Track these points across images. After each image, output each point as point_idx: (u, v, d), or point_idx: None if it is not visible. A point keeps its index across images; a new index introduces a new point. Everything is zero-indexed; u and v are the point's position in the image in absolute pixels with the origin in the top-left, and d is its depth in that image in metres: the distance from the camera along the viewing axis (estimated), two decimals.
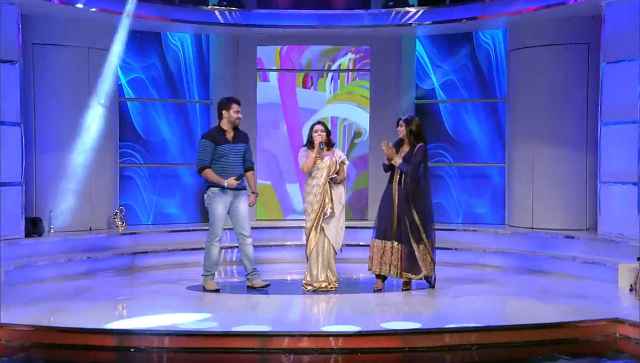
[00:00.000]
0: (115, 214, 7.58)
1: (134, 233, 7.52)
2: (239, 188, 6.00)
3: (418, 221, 5.88)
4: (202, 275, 6.06)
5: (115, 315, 5.30)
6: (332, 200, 6.04)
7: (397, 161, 5.93)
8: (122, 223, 7.56)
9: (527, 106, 7.61)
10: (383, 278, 6.03)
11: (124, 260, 7.18)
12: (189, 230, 7.87)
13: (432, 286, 6.05)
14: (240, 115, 5.99)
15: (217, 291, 5.95)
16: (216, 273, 6.11)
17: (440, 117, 8.49)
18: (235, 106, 5.97)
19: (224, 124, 6.00)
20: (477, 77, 8.34)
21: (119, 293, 5.99)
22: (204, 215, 8.41)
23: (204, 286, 6.02)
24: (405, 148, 6.03)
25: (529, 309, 5.49)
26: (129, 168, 8.13)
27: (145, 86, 8.20)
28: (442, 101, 8.48)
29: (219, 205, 5.93)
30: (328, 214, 6.00)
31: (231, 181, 5.88)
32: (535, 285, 6.34)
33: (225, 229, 6.28)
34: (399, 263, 5.89)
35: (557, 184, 7.45)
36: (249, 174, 6.12)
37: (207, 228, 7.82)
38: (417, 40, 8.46)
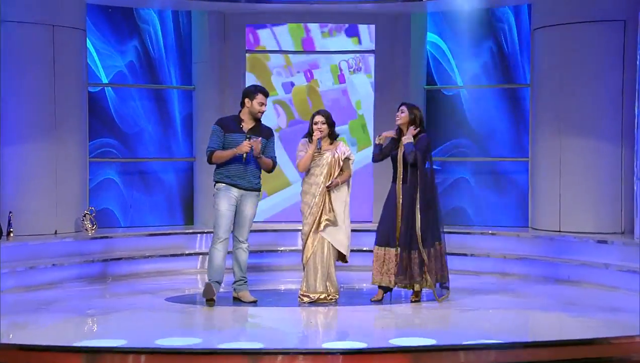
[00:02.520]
0: (85, 216, 7.57)
1: (106, 237, 7.51)
2: (249, 188, 5.94)
3: (427, 223, 5.88)
4: (206, 283, 6.06)
5: (85, 331, 5.29)
6: (332, 209, 6.00)
7: (406, 139, 5.83)
8: (93, 226, 7.56)
9: (553, 92, 7.60)
10: (385, 289, 6.04)
11: (95, 268, 7.17)
12: (169, 234, 7.87)
13: (439, 298, 6.03)
14: (264, 108, 5.97)
15: (211, 300, 5.88)
16: (221, 283, 6.02)
17: (454, 105, 8.48)
18: (260, 97, 5.93)
19: (243, 114, 5.98)
20: (496, 60, 8.33)
21: (89, 306, 5.98)
22: (187, 217, 8.45)
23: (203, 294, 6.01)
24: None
25: (556, 323, 5.49)
26: (101, 163, 8.12)
27: (118, 69, 8.18)
28: (456, 87, 8.47)
29: (222, 202, 5.91)
30: (322, 227, 5.97)
31: (241, 146, 5.77)
32: (562, 296, 6.35)
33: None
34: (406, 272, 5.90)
35: (587, 181, 7.44)
36: (267, 158, 5.98)
37: (190, 231, 7.95)
38: (428, 17, 8.44)
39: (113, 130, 8.16)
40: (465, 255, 7.49)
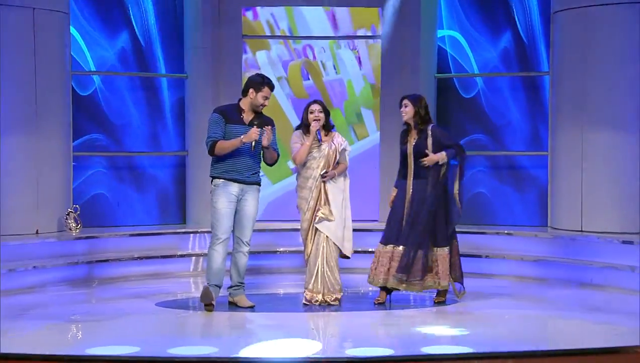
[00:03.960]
0: (69, 214, 7.56)
1: (92, 237, 7.50)
2: (250, 181, 5.93)
3: (441, 219, 5.88)
4: (204, 285, 6.07)
5: (68, 339, 5.28)
6: (327, 201, 6.01)
7: (437, 157, 5.87)
8: (77, 225, 7.55)
9: (575, 81, 7.57)
10: (388, 290, 6.07)
11: (80, 270, 7.16)
12: (160, 233, 7.86)
13: (458, 293, 6.08)
14: (267, 103, 5.95)
15: (209, 305, 5.86)
16: (219, 286, 6.00)
17: (468, 95, 8.45)
18: (266, 90, 5.90)
19: (244, 104, 5.96)
20: (513, 46, 8.30)
21: (73, 312, 5.96)
22: (180, 215, 8.44)
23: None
24: (415, 134, 6.03)
25: (577, 331, 5.48)
26: (86, 158, 8.10)
27: (105, 57, 8.15)
28: (470, 75, 8.44)
29: (221, 199, 5.88)
30: (317, 220, 5.99)
31: (249, 134, 5.73)
32: (584, 301, 6.34)
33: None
34: (417, 272, 5.92)
35: (612, 177, 7.42)
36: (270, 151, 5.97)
37: (182, 231, 7.94)
38: None
39: (99, 122, 8.13)
40: (479, 256, 7.48)
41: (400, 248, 5.98)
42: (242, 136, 5.78)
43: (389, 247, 6.03)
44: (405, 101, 6.08)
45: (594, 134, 7.49)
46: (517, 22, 8.28)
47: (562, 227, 7.70)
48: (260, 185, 6.06)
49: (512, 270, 7.40)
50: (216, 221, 5.90)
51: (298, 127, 6.17)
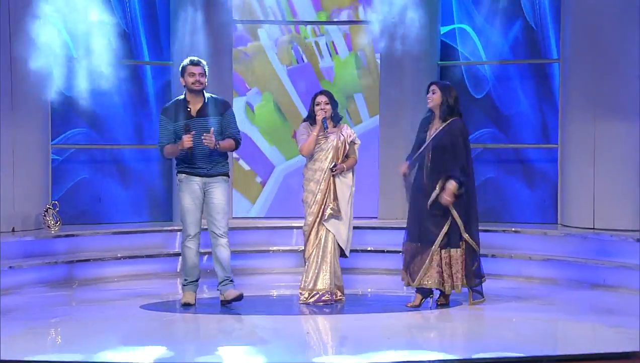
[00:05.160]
0: (47, 211, 7.55)
1: (72, 235, 7.50)
2: (214, 173, 6.02)
3: (459, 218, 5.89)
4: (182, 285, 6.19)
5: (47, 344, 5.28)
6: (336, 197, 6.11)
7: (447, 198, 5.80)
8: (56, 222, 7.54)
9: (588, 68, 7.56)
10: (427, 293, 6.00)
11: (59, 271, 7.15)
12: (144, 231, 7.87)
13: (472, 301, 6.07)
14: (200, 79, 5.99)
15: (188, 304, 5.99)
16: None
17: (471, 83, 8.44)
18: (190, 68, 6.00)
19: (188, 95, 6.08)
20: (522, 32, 8.29)
21: (52, 315, 5.97)
22: (165, 212, 8.42)
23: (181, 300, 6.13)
24: (437, 124, 5.98)
25: (589, 334, 5.49)
26: (66, 150, 8.08)
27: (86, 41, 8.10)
28: (475, 62, 8.43)
29: (184, 195, 6.03)
30: (326, 216, 6.08)
31: (181, 141, 5.83)
32: (596, 303, 6.35)
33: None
34: (443, 271, 5.90)
35: (626, 171, 7.42)
36: (227, 139, 6.04)
37: (168, 228, 7.93)
38: None
39: (80, 113, 8.08)
40: (484, 255, 7.42)
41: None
42: (178, 144, 5.89)
43: (412, 245, 5.97)
44: (434, 87, 6.01)
45: (607, 125, 7.48)
46: (525, 9, 8.24)
47: (573, 224, 7.70)
48: (227, 176, 6.10)
49: (519, 270, 7.40)
50: (183, 218, 6.07)
51: (306, 119, 6.30)
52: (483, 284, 6.10)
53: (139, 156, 8.42)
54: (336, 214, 6.11)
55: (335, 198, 6.14)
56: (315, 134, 6.11)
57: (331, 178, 6.14)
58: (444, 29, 8.54)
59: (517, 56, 8.35)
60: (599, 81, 7.50)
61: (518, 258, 7.47)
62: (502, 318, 5.88)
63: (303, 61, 8.55)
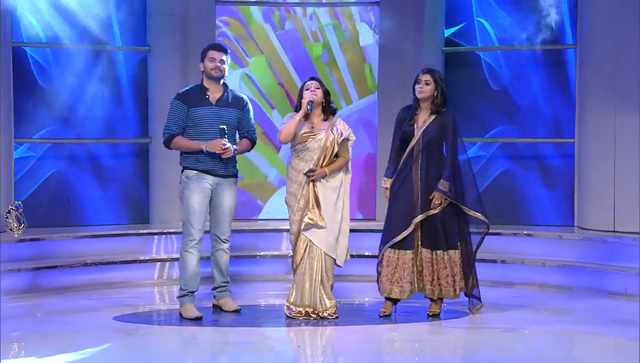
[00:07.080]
0: (9, 213, 7.55)
1: (38, 239, 7.49)
2: (229, 174, 6.06)
3: (448, 222, 5.94)
4: (177, 297, 6.13)
5: (9, 358, 5.23)
6: (317, 204, 5.97)
7: (437, 203, 5.94)
8: (20, 225, 7.54)
9: (607, 55, 7.59)
10: (394, 301, 6.10)
11: (23, 278, 7.14)
12: (118, 235, 7.86)
13: (472, 309, 6.13)
14: (220, 66, 6.07)
15: (198, 319, 5.98)
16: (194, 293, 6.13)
17: (480, 71, 8.46)
18: (211, 53, 6.09)
19: (205, 81, 6.14)
20: (534, 15, 8.29)
21: (16, 327, 5.94)
22: (141, 214, 8.40)
23: (180, 313, 6.07)
24: (425, 116, 6.00)
25: (609, 348, 5.51)
26: (31, 145, 8.06)
27: (50, 25, 8.08)
28: (484, 48, 8.44)
29: (194, 194, 6.00)
30: (303, 226, 5.96)
31: (214, 144, 5.88)
32: (617, 313, 6.37)
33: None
34: (428, 277, 5.97)
35: None
36: (243, 141, 6.16)
37: (145, 231, 7.91)
38: None
39: (46, 104, 8.07)
40: (494, 261, 7.49)
41: (409, 253, 6.00)
42: (204, 145, 5.93)
43: (392, 252, 5.99)
44: (428, 77, 5.99)
45: (629, 118, 7.51)
46: None
47: (591, 227, 7.73)
48: (237, 177, 6.20)
49: (532, 277, 7.41)
50: (189, 219, 6.01)
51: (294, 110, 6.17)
52: (478, 289, 6.12)
53: (111, 152, 8.38)
54: (316, 224, 5.94)
55: (315, 206, 5.96)
56: (298, 118, 5.94)
57: (312, 183, 5.99)
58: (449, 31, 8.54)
59: (525, 35, 8.31)
60: (621, 69, 7.52)
61: (531, 264, 7.49)
62: (513, 330, 5.89)
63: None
